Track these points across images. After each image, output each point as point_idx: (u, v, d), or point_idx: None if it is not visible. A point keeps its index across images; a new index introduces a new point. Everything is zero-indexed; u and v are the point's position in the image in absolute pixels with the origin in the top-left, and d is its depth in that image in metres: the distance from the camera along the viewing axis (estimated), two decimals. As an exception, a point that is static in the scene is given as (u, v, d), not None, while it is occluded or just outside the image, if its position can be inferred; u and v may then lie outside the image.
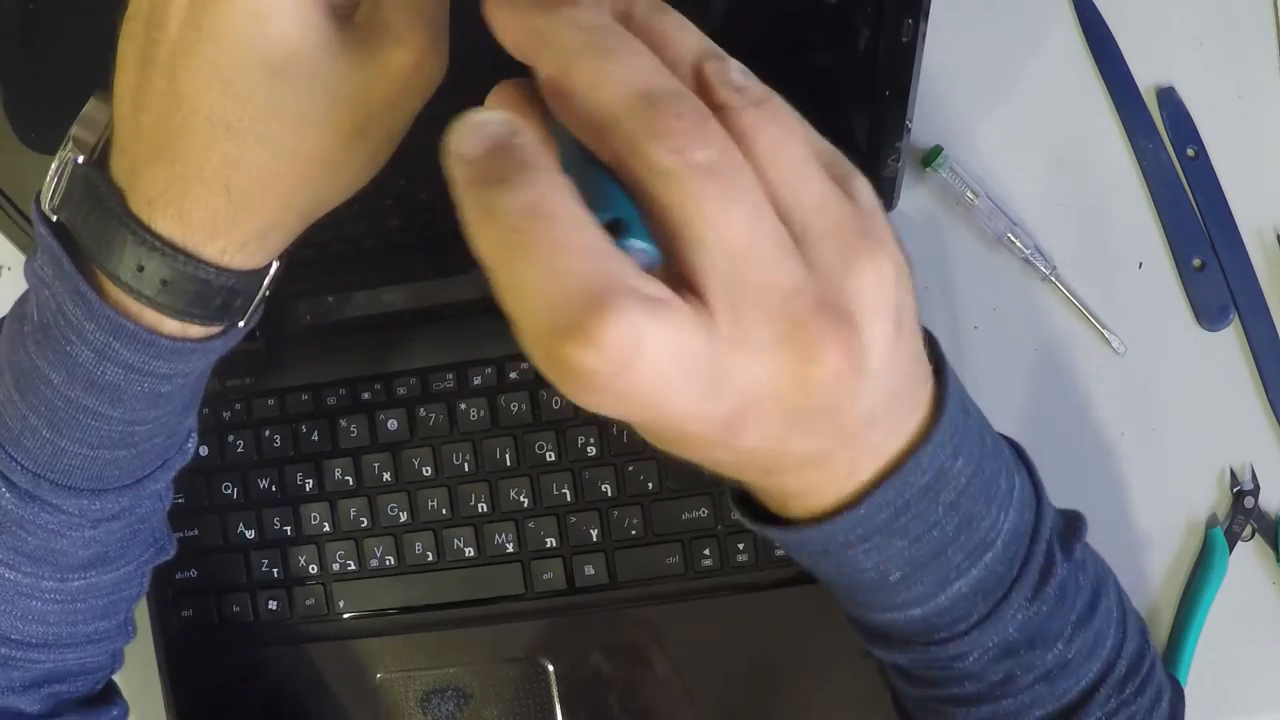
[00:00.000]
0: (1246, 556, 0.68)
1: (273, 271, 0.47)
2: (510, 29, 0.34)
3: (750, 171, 0.32)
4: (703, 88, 0.33)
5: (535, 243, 0.29)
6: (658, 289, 0.30)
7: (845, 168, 0.35)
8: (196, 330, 0.47)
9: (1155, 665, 0.52)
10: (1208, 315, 0.69)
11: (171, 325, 0.45)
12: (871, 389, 0.34)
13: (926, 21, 0.50)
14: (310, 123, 0.41)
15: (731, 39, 0.58)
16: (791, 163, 0.33)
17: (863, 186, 0.35)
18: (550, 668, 0.68)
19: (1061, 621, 0.47)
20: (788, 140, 0.33)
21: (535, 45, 0.33)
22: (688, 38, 0.34)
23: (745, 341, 0.31)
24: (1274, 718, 0.68)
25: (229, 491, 0.70)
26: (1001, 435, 0.48)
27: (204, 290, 0.44)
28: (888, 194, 0.65)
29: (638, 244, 0.31)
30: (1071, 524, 0.50)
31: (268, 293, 0.48)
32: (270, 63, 0.39)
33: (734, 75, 0.33)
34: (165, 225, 0.42)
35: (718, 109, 0.32)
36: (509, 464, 0.68)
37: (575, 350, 0.28)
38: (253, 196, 0.42)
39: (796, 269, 0.32)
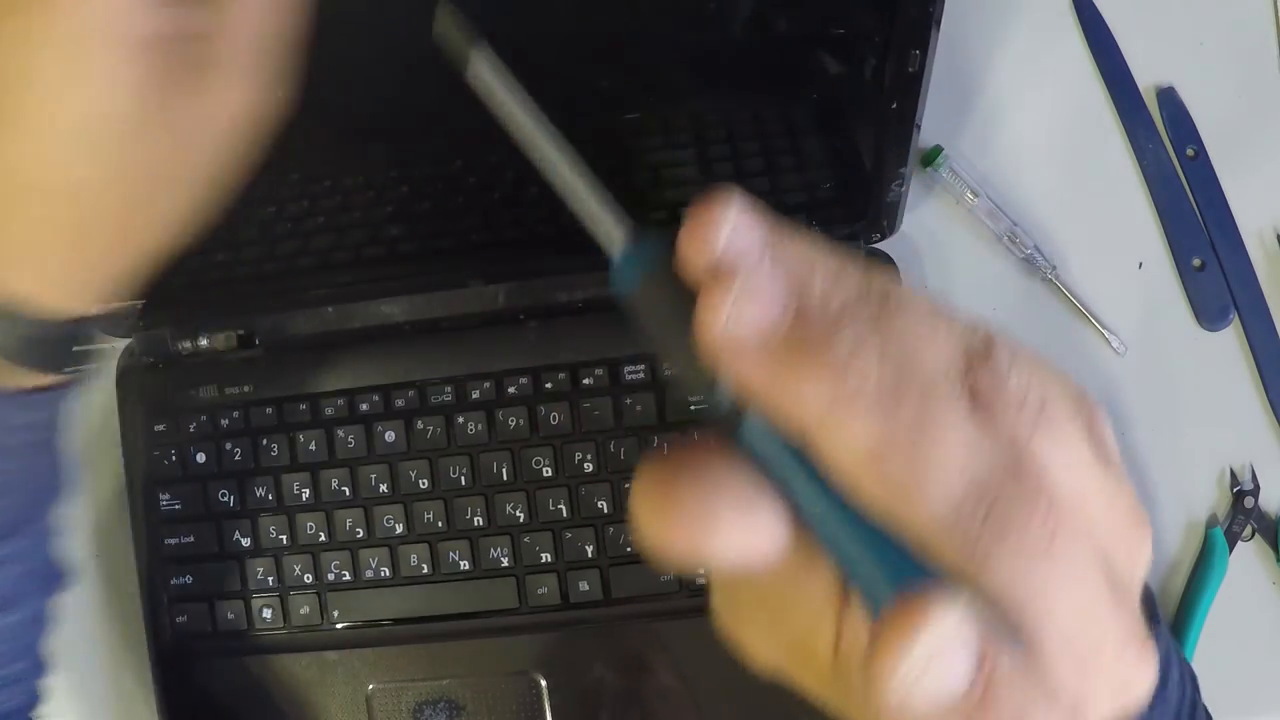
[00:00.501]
0: (1246, 556, 0.68)
1: (107, 314, 0.47)
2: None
3: (1082, 525, 0.26)
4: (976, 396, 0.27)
5: None
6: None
7: (1092, 410, 0.29)
8: (37, 379, 0.47)
9: None
10: (1208, 315, 0.69)
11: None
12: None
13: (933, 53, 0.50)
14: (134, 176, 0.41)
15: (739, 70, 0.58)
16: (1084, 480, 0.27)
17: (1010, 362, 0.29)
18: (543, 682, 0.68)
19: None
20: (1076, 459, 0.27)
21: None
22: (945, 338, 0.28)
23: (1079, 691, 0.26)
24: (1274, 718, 0.69)
25: (225, 499, 0.69)
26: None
27: (38, 337, 0.44)
28: (891, 217, 0.65)
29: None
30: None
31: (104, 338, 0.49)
32: (87, 133, 0.39)
33: (1013, 381, 0.28)
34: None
35: (994, 422, 0.27)
36: (505, 478, 0.67)
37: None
38: (80, 249, 0.42)
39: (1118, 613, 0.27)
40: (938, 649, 0.24)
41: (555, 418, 0.67)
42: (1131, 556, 0.28)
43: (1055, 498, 0.26)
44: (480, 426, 0.67)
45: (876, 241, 0.67)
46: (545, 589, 0.67)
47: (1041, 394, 0.28)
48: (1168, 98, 0.70)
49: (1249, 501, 0.68)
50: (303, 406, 0.68)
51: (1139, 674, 0.27)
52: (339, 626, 0.69)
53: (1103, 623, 0.26)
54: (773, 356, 0.27)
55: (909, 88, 0.55)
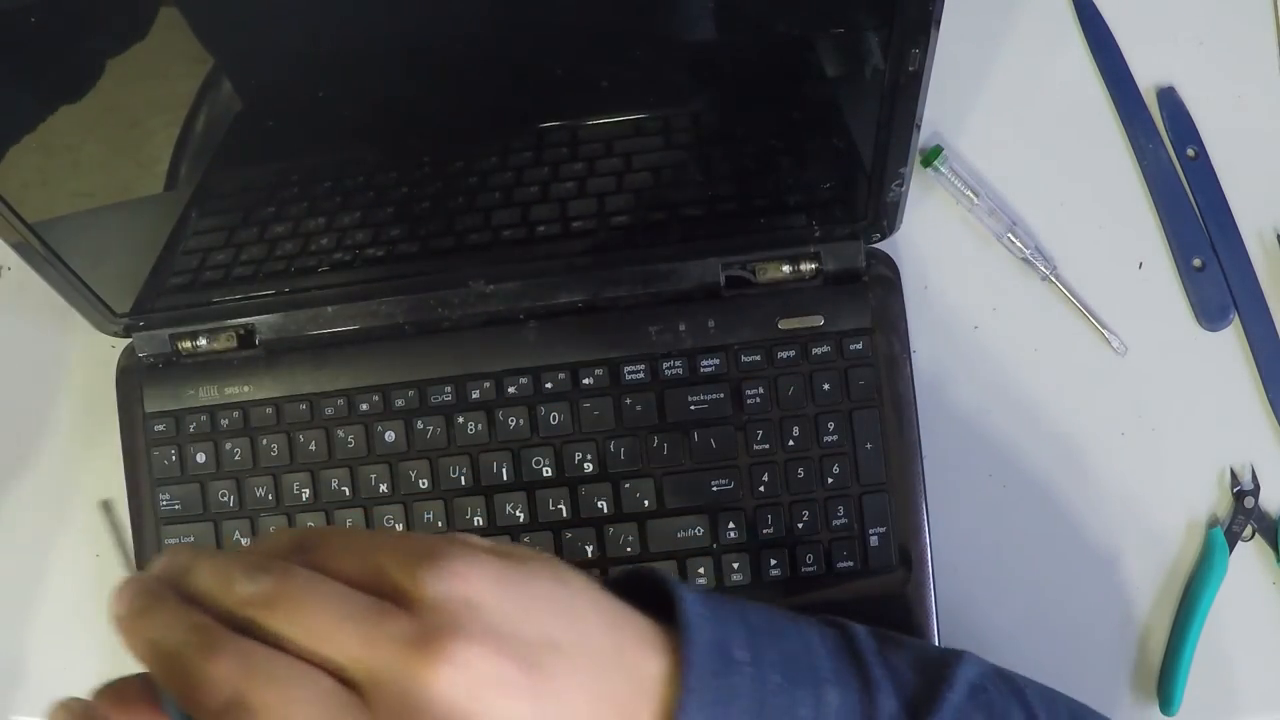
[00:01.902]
0: (1246, 556, 0.68)
1: None
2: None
3: (277, 670, 0.34)
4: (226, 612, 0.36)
5: None
6: None
7: (407, 565, 0.36)
8: None
9: None
10: (1208, 315, 0.69)
11: None
12: None
13: (933, 53, 0.50)
14: None
15: (737, 69, 0.58)
16: (323, 635, 0.35)
17: (432, 570, 0.36)
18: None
19: None
20: (305, 618, 0.35)
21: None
22: (208, 577, 0.37)
23: None
24: (1274, 718, 0.69)
25: (225, 499, 0.69)
26: (826, 624, 0.48)
27: None
28: (891, 217, 0.65)
29: None
30: (931, 693, 0.47)
31: None
32: None
33: (240, 588, 0.35)
34: None
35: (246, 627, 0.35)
36: (506, 479, 0.67)
37: None
38: None
39: None
40: None
41: (555, 418, 0.67)
42: None
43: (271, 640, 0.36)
44: (480, 426, 0.67)
45: (876, 241, 0.67)
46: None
47: (287, 594, 0.36)
48: (1168, 98, 0.70)
49: (1249, 501, 0.68)
50: (303, 406, 0.68)
51: None
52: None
53: None
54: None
55: (909, 87, 0.55)
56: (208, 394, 0.69)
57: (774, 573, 0.66)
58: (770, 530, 0.66)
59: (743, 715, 0.41)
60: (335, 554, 0.37)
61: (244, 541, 0.69)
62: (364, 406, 0.68)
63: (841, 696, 0.44)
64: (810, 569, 0.65)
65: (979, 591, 0.68)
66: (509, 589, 0.37)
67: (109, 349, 0.72)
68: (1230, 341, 0.69)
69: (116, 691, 0.38)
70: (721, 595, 0.46)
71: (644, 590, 0.44)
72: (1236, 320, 0.69)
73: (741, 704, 0.41)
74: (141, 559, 0.70)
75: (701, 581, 0.66)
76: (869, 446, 0.66)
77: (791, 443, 0.66)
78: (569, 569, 0.40)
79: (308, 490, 0.68)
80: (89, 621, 0.72)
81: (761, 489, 0.66)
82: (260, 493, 0.69)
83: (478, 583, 0.36)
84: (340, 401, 0.68)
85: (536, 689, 0.36)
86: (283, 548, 0.38)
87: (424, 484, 0.67)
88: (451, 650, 0.34)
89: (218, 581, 0.36)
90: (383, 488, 0.68)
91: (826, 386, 0.66)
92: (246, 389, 0.69)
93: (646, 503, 0.66)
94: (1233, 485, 0.68)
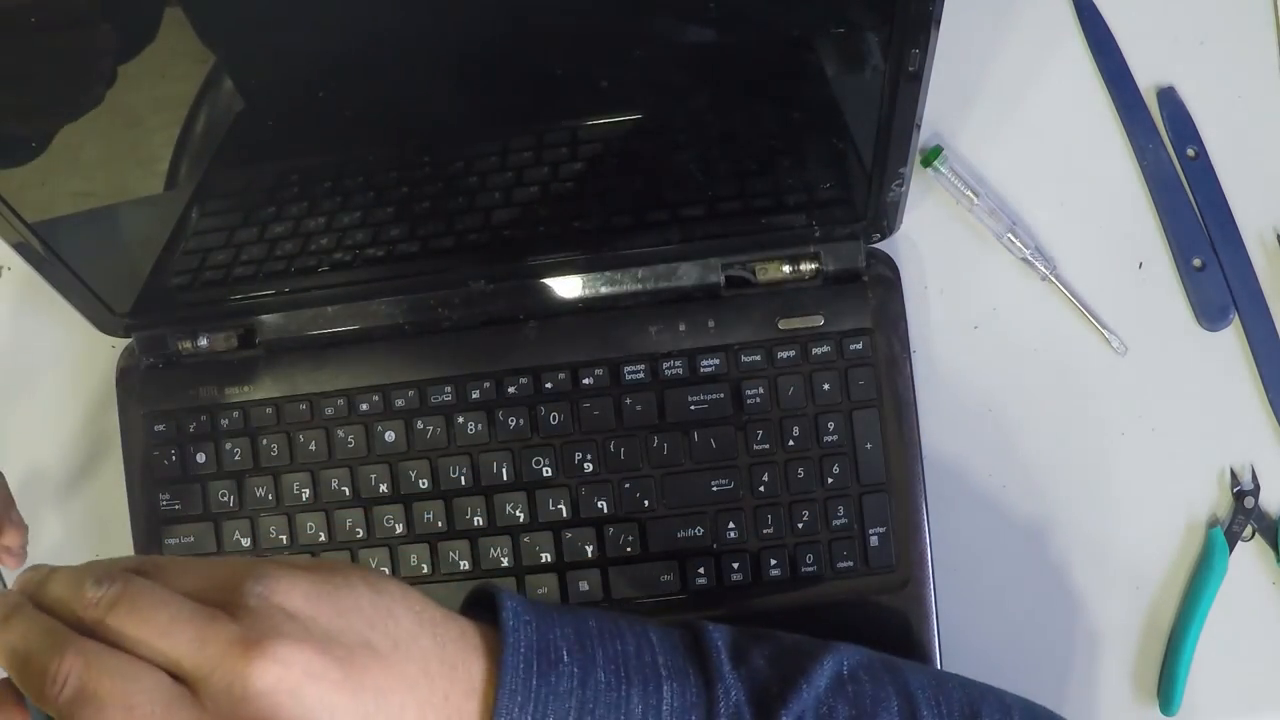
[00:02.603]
0: (1246, 556, 0.68)
1: None
2: None
3: (116, 665, 0.39)
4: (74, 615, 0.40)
5: None
6: None
7: (231, 581, 0.41)
8: None
9: None
10: (1208, 315, 0.69)
11: None
12: None
13: (933, 53, 0.50)
14: None
15: (737, 69, 0.58)
16: (159, 632, 0.39)
17: (252, 585, 0.40)
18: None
19: None
20: (146, 619, 0.39)
21: None
22: (57, 589, 0.41)
23: None
24: (1274, 717, 0.69)
25: (225, 499, 0.69)
26: (677, 626, 0.50)
27: None
28: (891, 217, 0.65)
29: None
30: (786, 683, 0.48)
31: None
32: None
33: (88, 593, 0.40)
34: None
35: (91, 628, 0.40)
36: (506, 479, 0.67)
37: None
38: None
39: (188, 716, 0.38)
40: None
41: (555, 418, 0.67)
42: None
43: (105, 637, 0.41)
44: (480, 426, 0.67)
45: (876, 241, 0.67)
46: (545, 589, 0.67)
47: (115, 601, 0.41)
48: (1168, 98, 0.70)
49: (1249, 501, 0.68)
50: (303, 406, 0.68)
51: None
52: (339, 627, 0.69)
53: None
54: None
55: (909, 87, 0.55)
56: (208, 394, 0.69)
57: (774, 573, 0.65)
58: (770, 530, 0.66)
59: (564, 706, 0.44)
60: (173, 574, 0.41)
61: (244, 542, 0.69)
62: (364, 406, 0.68)
63: (678, 693, 0.46)
64: (810, 569, 0.65)
65: (979, 591, 0.68)
66: (324, 599, 0.41)
67: (109, 349, 0.72)
68: (1230, 341, 0.69)
69: None
70: (559, 604, 0.50)
71: (481, 605, 0.47)
72: (1236, 320, 0.69)
73: (562, 703, 0.44)
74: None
75: (702, 581, 0.66)
76: (869, 446, 0.66)
77: (791, 443, 0.66)
78: (388, 580, 0.44)
79: (308, 490, 0.68)
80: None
81: (761, 489, 0.66)
82: (260, 493, 0.69)
83: (295, 594, 0.40)
84: (340, 401, 0.68)
85: (354, 682, 0.40)
86: (129, 566, 0.42)
87: (424, 484, 0.67)
88: (271, 648, 0.38)
89: (69, 589, 0.40)
90: (383, 488, 0.68)
91: (826, 386, 0.66)
92: (246, 389, 0.69)
93: (646, 503, 0.66)
94: (1233, 485, 0.68)
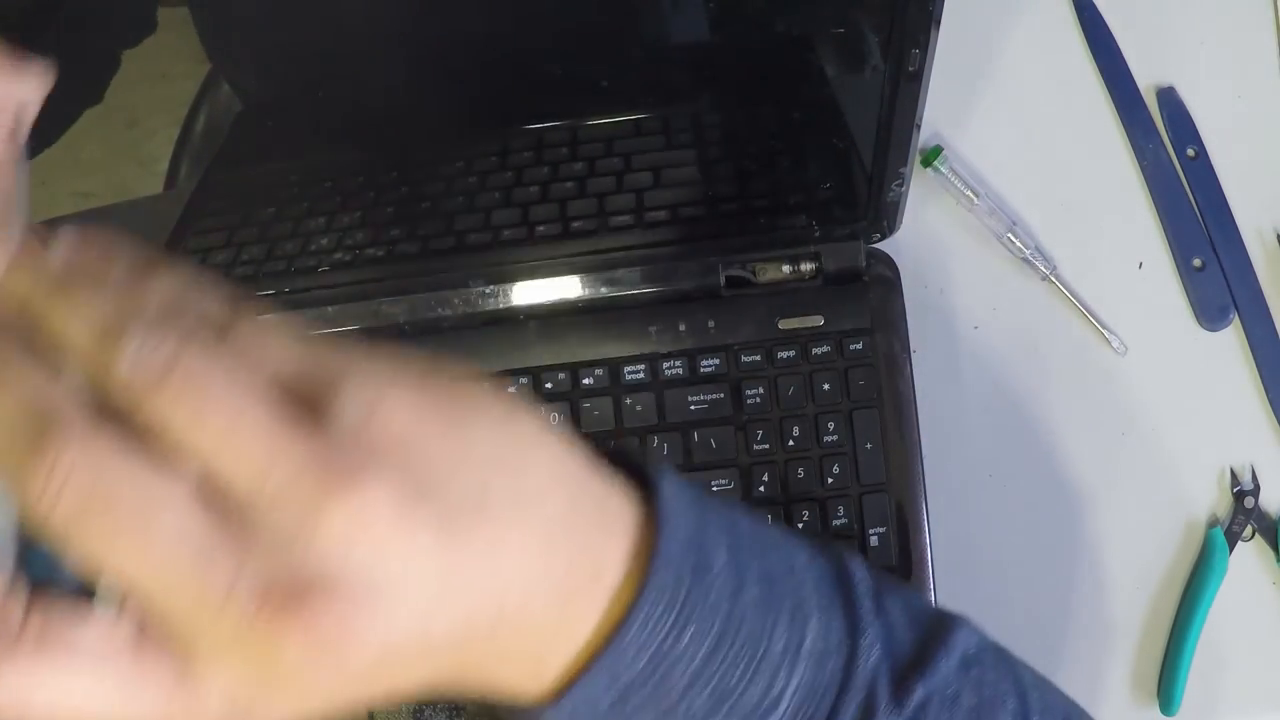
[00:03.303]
0: (1246, 556, 0.68)
1: None
2: None
3: (132, 482, 0.28)
4: (101, 383, 0.29)
5: None
6: (61, 623, 0.29)
7: (323, 382, 0.30)
8: None
9: None
10: (1208, 315, 0.69)
11: None
12: (420, 622, 0.30)
13: (933, 53, 0.50)
14: None
15: (738, 69, 0.58)
16: (212, 438, 0.28)
17: (352, 392, 0.30)
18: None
19: None
20: (199, 418, 0.28)
21: None
22: (80, 328, 0.29)
23: (200, 649, 0.29)
24: (1274, 718, 0.68)
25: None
26: (821, 550, 0.42)
27: None
28: (891, 217, 0.65)
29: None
30: (923, 655, 0.42)
31: None
32: None
33: (125, 360, 0.28)
34: None
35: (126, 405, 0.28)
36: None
37: None
38: None
39: (226, 565, 0.28)
40: None
41: (555, 418, 0.67)
42: None
43: (144, 434, 0.28)
44: (481, 426, 0.67)
45: (876, 241, 0.67)
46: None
47: (184, 378, 0.29)
48: (1168, 98, 0.70)
49: (1249, 501, 0.68)
50: (303, 406, 0.68)
51: None
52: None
53: (187, 593, 0.28)
54: None
55: (909, 87, 0.55)
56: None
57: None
58: (770, 530, 0.66)
59: (707, 623, 0.36)
60: (253, 347, 0.30)
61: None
62: (364, 406, 0.68)
63: (821, 634, 0.39)
64: (810, 569, 0.65)
65: (979, 591, 0.68)
66: (440, 429, 0.31)
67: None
68: (1230, 341, 0.69)
69: None
70: (707, 493, 0.40)
71: (623, 466, 0.38)
72: (1236, 320, 0.69)
73: (708, 618, 0.36)
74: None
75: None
76: (869, 446, 0.66)
77: (791, 443, 0.66)
78: (526, 413, 0.34)
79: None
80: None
81: (761, 489, 0.66)
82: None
83: (404, 416, 0.30)
84: (340, 401, 0.68)
85: (452, 548, 0.30)
86: (190, 323, 0.30)
87: (424, 484, 0.67)
88: (361, 486, 0.29)
89: (93, 334, 0.29)
90: (383, 488, 0.67)
91: (826, 386, 0.66)
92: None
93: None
94: (1233, 485, 0.68)
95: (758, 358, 0.66)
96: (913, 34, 0.52)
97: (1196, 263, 0.69)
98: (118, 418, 0.28)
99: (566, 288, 0.68)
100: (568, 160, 0.61)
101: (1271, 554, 0.68)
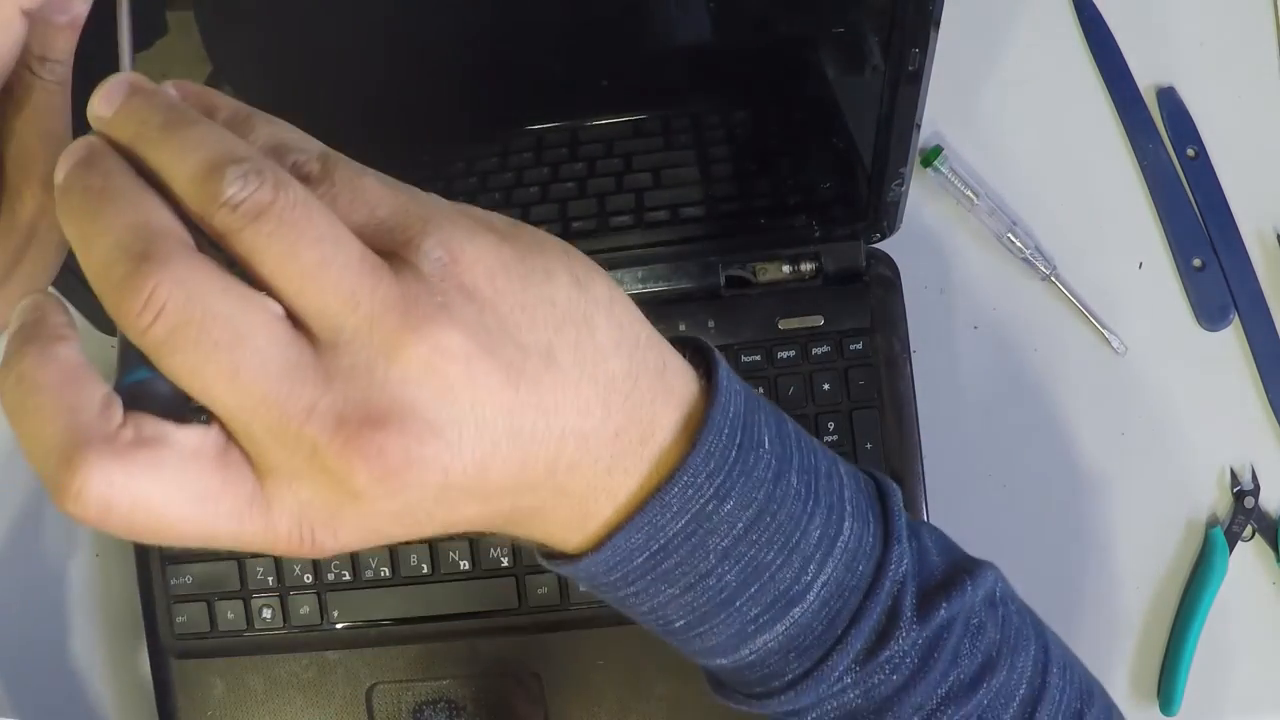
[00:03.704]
0: (1246, 556, 0.68)
1: None
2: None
3: (226, 308, 0.29)
4: (203, 213, 0.30)
5: (19, 410, 0.31)
6: (154, 428, 0.30)
7: (409, 230, 0.32)
8: None
9: None
10: (1208, 315, 0.69)
11: None
12: (480, 462, 0.32)
13: (933, 53, 0.50)
14: None
15: (738, 69, 0.58)
16: (304, 272, 0.30)
17: (439, 239, 0.32)
18: (543, 682, 0.68)
19: (924, 694, 0.42)
20: (295, 252, 0.30)
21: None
22: (187, 161, 0.30)
23: (275, 469, 0.31)
24: (1274, 718, 0.69)
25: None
26: (863, 471, 0.44)
27: None
28: (891, 217, 0.65)
29: (154, 376, 0.31)
30: (951, 580, 0.43)
31: None
32: None
33: (230, 191, 0.29)
34: None
35: (219, 235, 0.30)
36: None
37: (61, 504, 0.30)
38: None
39: (307, 390, 0.30)
40: None
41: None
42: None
43: (242, 260, 0.31)
44: (480, 427, 0.67)
45: (877, 241, 0.67)
46: (545, 589, 0.67)
47: (282, 213, 0.30)
48: (1168, 98, 0.70)
49: (1249, 501, 0.68)
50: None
51: None
52: (339, 626, 0.69)
53: (276, 403, 0.30)
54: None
55: (909, 87, 0.55)
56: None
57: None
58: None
59: (749, 496, 0.38)
60: (346, 194, 0.32)
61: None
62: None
63: (856, 535, 0.41)
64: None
65: (979, 591, 0.68)
66: (514, 283, 0.33)
67: (109, 349, 0.72)
68: (1230, 341, 0.69)
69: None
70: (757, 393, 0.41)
71: (686, 349, 0.40)
72: (1236, 320, 0.69)
73: (752, 489, 0.38)
74: (144, 561, 0.70)
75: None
76: (869, 447, 0.66)
77: (791, 443, 0.66)
78: (598, 274, 0.36)
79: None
80: (91, 619, 0.72)
81: (761, 489, 0.66)
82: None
83: (481, 268, 0.32)
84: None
85: (517, 393, 0.32)
86: (289, 162, 0.32)
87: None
88: (436, 329, 0.30)
89: (196, 167, 0.30)
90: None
91: (826, 386, 0.66)
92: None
93: (646, 503, 0.66)
94: (1233, 485, 0.68)
95: (758, 358, 0.66)
96: (913, 34, 0.52)
97: (1196, 263, 0.69)
98: (216, 250, 0.30)
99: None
100: (568, 161, 0.61)
101: (1271, 554, 0.68)
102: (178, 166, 0.30)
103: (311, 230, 0.30)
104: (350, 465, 0.30)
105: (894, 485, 0.44)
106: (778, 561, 0.39)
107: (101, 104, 0.32)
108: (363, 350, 0.30)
